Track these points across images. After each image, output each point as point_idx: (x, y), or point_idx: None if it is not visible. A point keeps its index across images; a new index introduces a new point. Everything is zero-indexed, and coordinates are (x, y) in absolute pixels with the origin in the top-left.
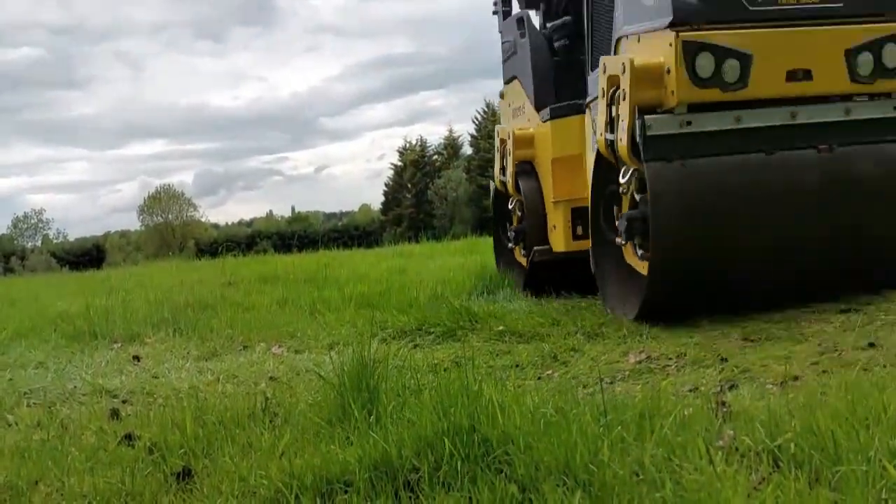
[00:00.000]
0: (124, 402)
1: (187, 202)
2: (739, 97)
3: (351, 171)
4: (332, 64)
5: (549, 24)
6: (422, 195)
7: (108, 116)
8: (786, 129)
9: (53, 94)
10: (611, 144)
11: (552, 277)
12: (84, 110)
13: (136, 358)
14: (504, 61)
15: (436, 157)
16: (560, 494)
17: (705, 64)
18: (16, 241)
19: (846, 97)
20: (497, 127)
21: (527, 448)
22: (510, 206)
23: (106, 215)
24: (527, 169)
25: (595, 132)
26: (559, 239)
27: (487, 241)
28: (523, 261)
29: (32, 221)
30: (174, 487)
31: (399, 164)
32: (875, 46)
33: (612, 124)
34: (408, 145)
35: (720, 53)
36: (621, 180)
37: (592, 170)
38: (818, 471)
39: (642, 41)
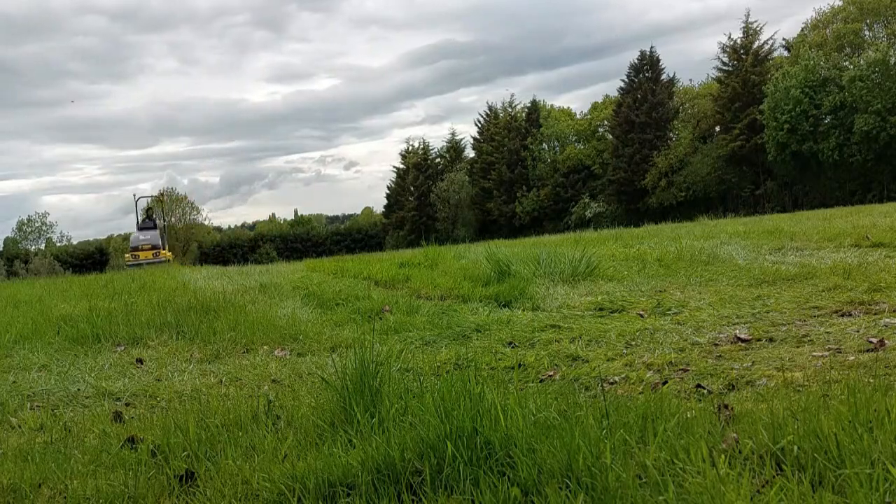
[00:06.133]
0: (127, 405)
1: (191, 205)
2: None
3: (379, 170)
4: (384, 55)
5: None
6: (424, 198)
7: (145, 112)
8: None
9: (97, 88)
10: None
11: None
12: (125, 105)
13: (140, 361)
14: None
15: (438, 159)
16: (562, 497)
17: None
18: (20, 245)
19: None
20: None
21: (529, 451)
22: None
23: (124, 216)
24: None
25: None
26: None
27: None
28: None
29: (36, 225)
30: (177, 490)
31: (402, 166)
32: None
33: None
34: (410, 148)
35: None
36: None
37: None
38: (821, 473)
39: None
